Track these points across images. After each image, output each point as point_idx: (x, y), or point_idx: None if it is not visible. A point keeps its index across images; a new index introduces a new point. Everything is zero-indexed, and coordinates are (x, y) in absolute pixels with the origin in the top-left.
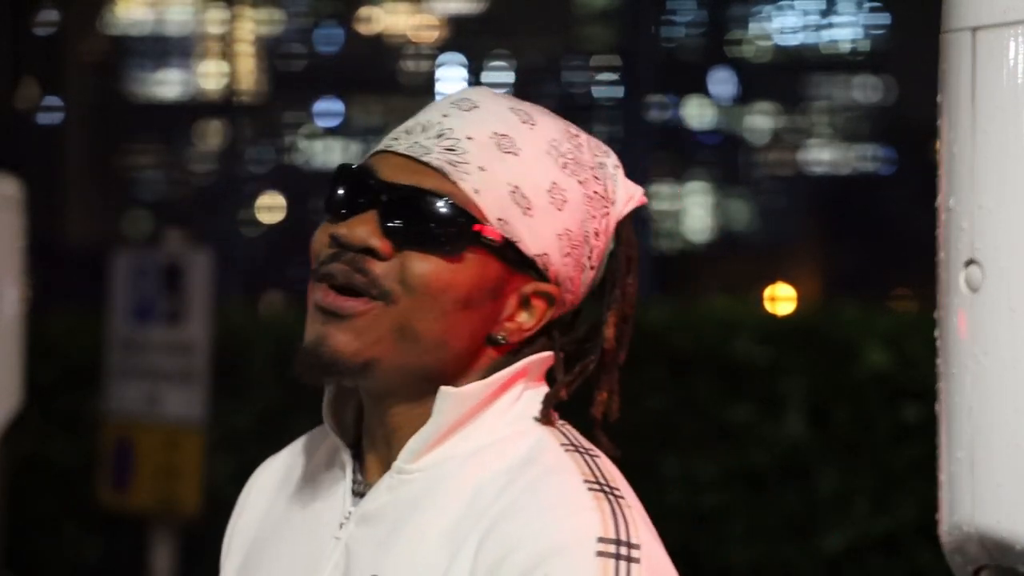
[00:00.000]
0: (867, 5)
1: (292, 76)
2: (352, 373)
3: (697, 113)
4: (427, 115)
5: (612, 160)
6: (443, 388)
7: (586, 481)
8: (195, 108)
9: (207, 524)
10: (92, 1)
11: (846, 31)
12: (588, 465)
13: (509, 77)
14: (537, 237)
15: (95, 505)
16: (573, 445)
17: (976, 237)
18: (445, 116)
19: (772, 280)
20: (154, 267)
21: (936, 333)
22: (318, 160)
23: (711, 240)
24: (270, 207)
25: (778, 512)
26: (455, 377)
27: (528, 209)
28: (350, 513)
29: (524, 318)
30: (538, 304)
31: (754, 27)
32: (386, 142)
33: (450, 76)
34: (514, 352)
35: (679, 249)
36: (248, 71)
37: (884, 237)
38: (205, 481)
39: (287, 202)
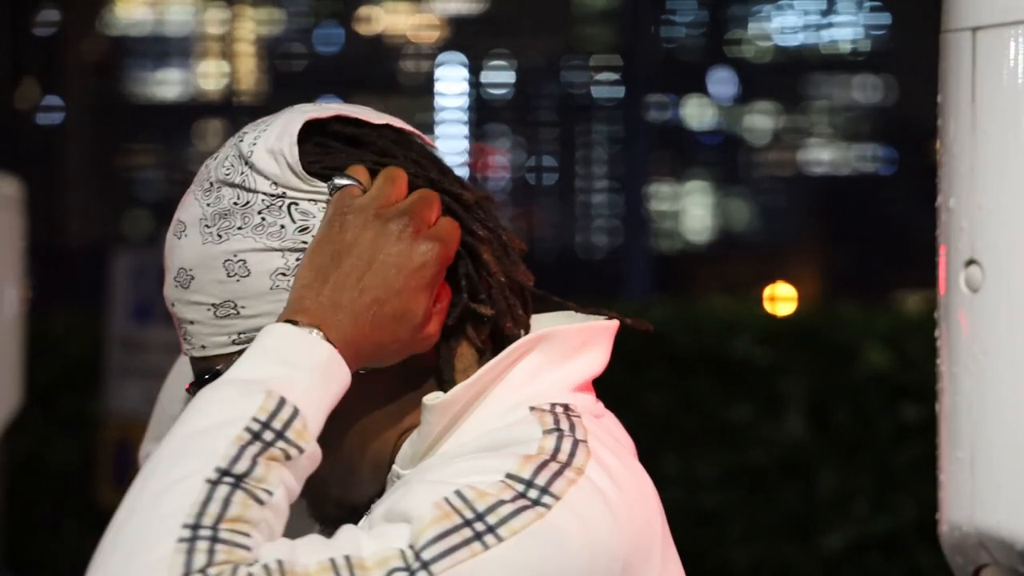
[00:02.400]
0: (867, 5)
1: (292, 76)
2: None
3: (697, 113)
4: (173, 310)
5: (245, 157)
6: (425, 401)
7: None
8: (195, 108)
9: None
10: (92, 1)
11: (846, 31)
12: (557, 443)
13: (509, 77)
14: (265, 314)
15: (95, 505)
16: (559, 430)
17: (976, 237)
18: (172, 306)
19: (772, 280)
20: (154, 267)
21: (936, 333)
22: None
23: (711, 240)
24: None
25: (778, 512)
26: (405, 420)
27: (236, 306)
28: None
29: None
30: None
31: (754, 27)
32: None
33: (450, 76)
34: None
35: (679, 249)
36: (248, 71)
37: (884, 237)
38: None
39: None
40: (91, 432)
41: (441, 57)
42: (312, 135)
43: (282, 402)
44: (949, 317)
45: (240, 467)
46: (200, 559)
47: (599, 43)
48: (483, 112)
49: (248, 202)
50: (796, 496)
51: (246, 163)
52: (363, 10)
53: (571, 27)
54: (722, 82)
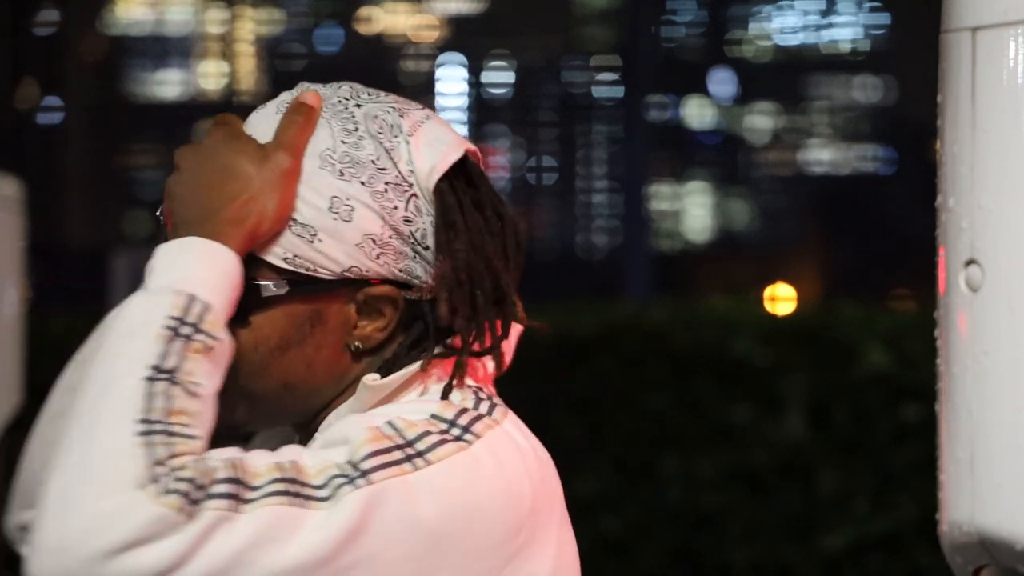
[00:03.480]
0: (867, 5)
1: (292, 76)
2: (244, 432)
3: (697, 113)
4: None
5: (405, 134)
6: (365, 380)
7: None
8: (195, 108)
9: None
10: (92, 1)
11: (846, 31)
12: (475, 403)
13: (509, 77)
14: (333, 258)
15: None
16: (479, 399)
17: (976, 237)
18: None
19: (772, 280)
20: None
21: (936, 333)
22: None
23: (711, 240)
24: None
25: (778, 512)
26: (341, 395)
27: (314, 236)
28: None
29: (371, 322)
30: (381, 306)
31: (754, 27)
32: None
33: (450, 76)
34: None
35: (679, 249)
36: (248, 71)
37: (884, 237)
38: None
39: None
40: None
41: (441, 57)
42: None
43: (192, 298)
44: (949, 317)
45: (170, 362)
46: (160, 451)
47: (599, 43)
48: (483, 112)
49: (385, 168)
50: (796, 496)
51: (404, 139)
52: (363, 10)
53: (571, 27)
54: (722, 82)
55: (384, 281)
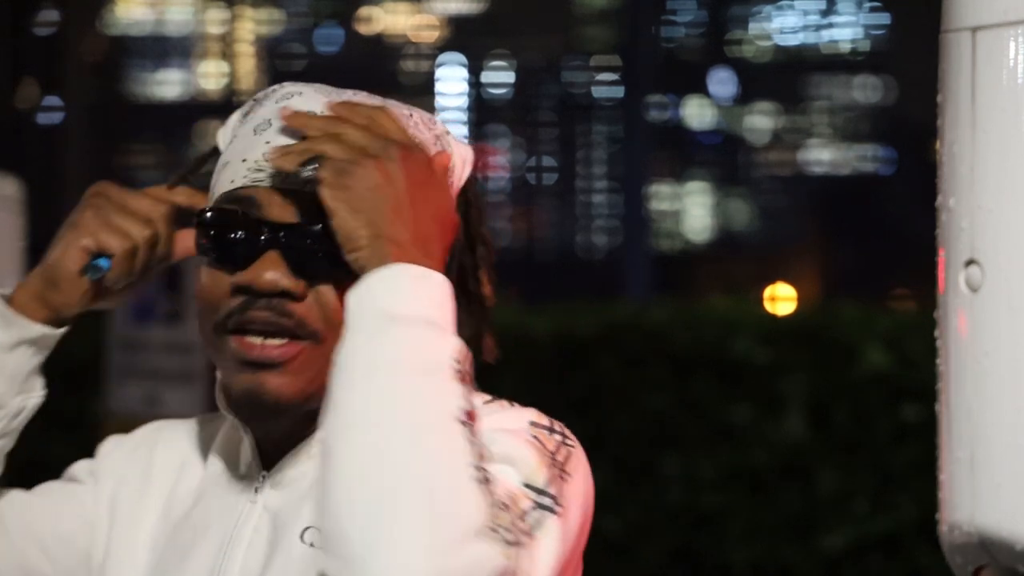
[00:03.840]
0: (867, 5)
1: (292, 76)
2: (296, 408)
3: (697, 113)
4: (281, 139)
5: (442, 128)
6: None
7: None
8: (195, 108)
9: None
10: (92, 1)
11: (846, 31)
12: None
13: (509, 77)
14: None
15: None
16: (555, 428)
17: (976, 237)
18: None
19: (772, 280)
20: None
21: (936, 333)
22: None
23: (711, 240)
24: None
25: (778, 512)
26: None
27: None
28: (263, 478)
29: None
30: None
31: (754, 27)
32: (250, 176)
33: (450, 76)
34: None
35: (679, 249)
36: (248, 71)
37: (884, 237)
38: None
39: None
40: (91, 432)
41: (441, 57)
42: None
43: (463, 344)
44: (949, 317)
45: (470, 407)
46: (490, 498)
47: (599, 43)
48: (483, 112)
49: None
50: (796, 496)
51: (443, 130)
52: (363, 10)
53: (571, 27)
54: (722, 82)
55: None
